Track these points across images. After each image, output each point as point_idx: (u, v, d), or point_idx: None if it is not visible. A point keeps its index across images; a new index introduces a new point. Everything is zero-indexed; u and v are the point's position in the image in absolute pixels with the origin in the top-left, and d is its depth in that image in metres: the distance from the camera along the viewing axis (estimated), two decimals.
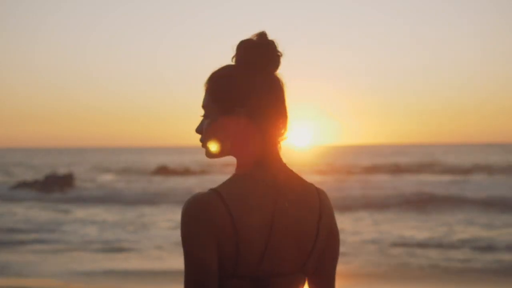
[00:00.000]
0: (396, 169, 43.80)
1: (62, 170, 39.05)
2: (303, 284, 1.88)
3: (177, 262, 11.89)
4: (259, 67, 1.81)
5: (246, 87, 1.81)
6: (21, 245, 14.17)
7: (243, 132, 1.83)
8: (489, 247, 13.02)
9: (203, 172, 45.41)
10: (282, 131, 1.85)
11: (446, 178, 35.22)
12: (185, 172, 45.49)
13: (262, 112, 1.81)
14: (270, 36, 1.84)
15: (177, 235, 15.48)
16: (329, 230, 1.88)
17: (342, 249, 12.60)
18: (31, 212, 21.30)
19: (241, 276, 1.80)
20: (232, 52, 1.84)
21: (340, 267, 10.83)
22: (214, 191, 1.79)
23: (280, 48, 1.84)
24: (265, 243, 1.80)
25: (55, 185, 30.24)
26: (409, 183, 30.74)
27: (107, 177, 42.64)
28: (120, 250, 13.43)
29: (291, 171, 1.87)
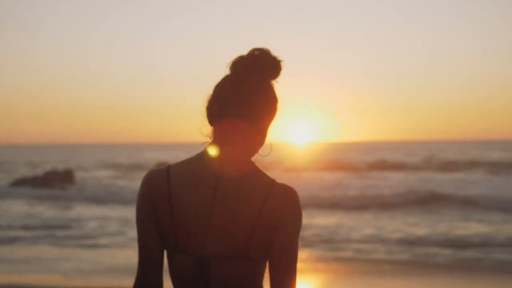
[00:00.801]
0: (395, 166, 43.70)
1: (61, 166, 38.95)
2: (252, 271, 1.98)
3: None
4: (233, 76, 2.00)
5: (213, 94, 2.02)
6: (21, 241, 14.13)
7: (212, 131, 2.02)
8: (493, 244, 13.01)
9: None
10: (244, 131, 1.98)
11: (446, 174, 35.22)
12: None
13: (218, 115, 1.98)
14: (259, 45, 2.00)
15: None
16: (275, 224, 1.95)
17: (346, 245, 12.75)
18: (30, 208, 21.26)
19: (183, 252, 1.97)
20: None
21: (345, 265, 11.06)
22: (166, 168, 2.01)
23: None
24: (204, 225, 1.95)
25: (55, 181, 30.20)
26: (409, 180, 30.72)
27: (106, 173, 42.58)
28: (122, 246, 13.40)
29: (246, 166, 2.00)
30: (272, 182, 1.99)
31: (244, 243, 1.95)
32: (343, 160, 49.21)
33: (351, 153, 70.97)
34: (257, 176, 2.00)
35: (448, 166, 42.56)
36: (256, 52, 1.99)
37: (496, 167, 40.79)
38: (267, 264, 2.01)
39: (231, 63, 2.00)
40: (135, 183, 32.74)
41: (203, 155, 2.02)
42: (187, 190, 1.97)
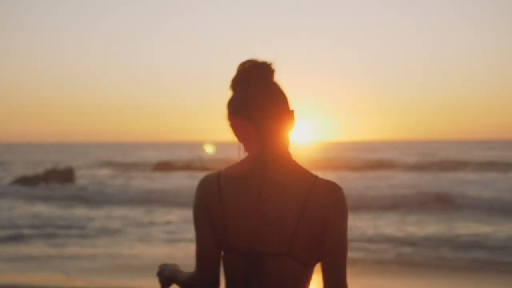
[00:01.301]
0: (395, 165, 43.66)
1: (62, 165, 38.91)
2: (298, 269, 2.03)
3: (181, 255, 11.83)
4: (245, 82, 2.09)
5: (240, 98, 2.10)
6: (22, 240, 14.07)
7: (245, 132, 2.09)
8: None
9: (204, 168, 45.27)
10: (277, 129, 2.07)
11: (447, 174, 35.15)
12: (186, 167, 45.37)
13: (255, 115, 2.05)
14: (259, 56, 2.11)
15: (178, 229, 15.65)
16: (322, 221, 2.01)
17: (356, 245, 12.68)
18: (31, 207, 21.22)
19: (234, 251, 2.05)
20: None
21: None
22: (217, 172, 2.12)
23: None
24: (252, 224, 2.02)
25: (55, 180, 30.16)
26: (411, 180, 30.65)
27: (107, 172, 42.52)
28: (124, 246, 13.35)
29: (290, 164, 2.08)
30: (315, 177, 2.05)
31: (288, 241, 2.01)
32: (343, 159, 49.11)
33: (351, 152, 70.86)
34: (299, 172, 2.06)
35: (450, 165, 42.48)
36: (246, 65, 2.08)
37: (495, 167, 40.72)
38: (320, 263, 2.06)
39: (230, 84, 2.11)
40: (135, 182, 32.62)
41: (248, 158, 2.10)
42: (235, 191, 2.07)
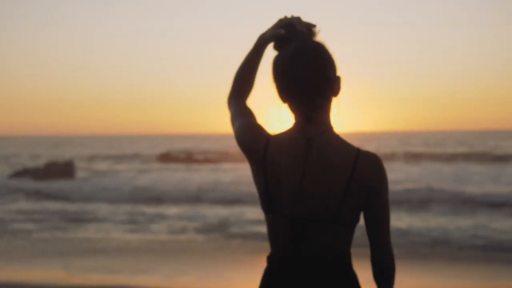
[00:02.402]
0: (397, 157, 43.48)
1: (63, 158, 38.73)
2: (341, 235, 2.15)
3: (177, 256, 11.63)
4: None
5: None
6: (23, 236, 13.87)
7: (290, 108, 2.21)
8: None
9: (206, 160, 45.14)
10: (323, 102, 2.17)
11: (446, 165, 34.99)
12: (188, 159, 45.29)
13: (293, 91, 2.17)
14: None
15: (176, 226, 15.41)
16: (367, 190, 2.13)
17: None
18: (31, 201, 21.03)
19: (276, 212, 2.16)
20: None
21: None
22: (267, 136, 2.20)
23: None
24: (296, 188, 2.12)
25: (56, 172, 29.92)
26: (406, 172, 30.47)
27: (108, 165, 42.35)
28: (126, 242, 13.21)
29: (334, 135, 2.17)
30: (358, 149, 2.16)
31: (335, 206, 2.11)
32: None
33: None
34: (342, 142, 2.17)
35: (448, 157, 42.23)
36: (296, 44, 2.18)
37: (493, 158, 40.51)
38: (365, 226, 2.19)
39: (276, 45, 2.24)
40: (139, 175, 32.48)
41: (294, 125, 2.18)
42: (280, 156, 2.15)
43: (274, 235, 2.20)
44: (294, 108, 2.18)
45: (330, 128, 2.17)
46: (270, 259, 2.23)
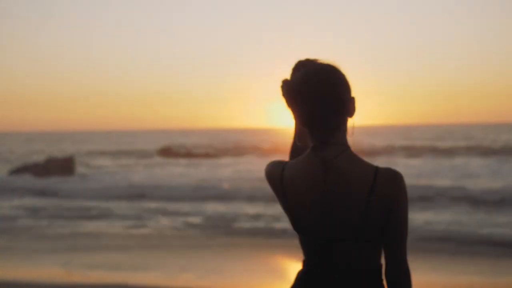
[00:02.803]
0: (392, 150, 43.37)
1: (63, 154, 38.62)
2: (368, 250, 2.20)
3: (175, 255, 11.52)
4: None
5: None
6: (21, 232, 13.76)
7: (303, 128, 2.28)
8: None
9: (207, 155, 45.09)
10: (330, 122, 2.19)
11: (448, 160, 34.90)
12: (189, 154, 45.24)
13: (308, 114, 2.20)
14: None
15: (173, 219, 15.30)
16: (388, 207, 2.15)
17: None
18: (30, 198, 20.90)
19: (304, 233, 2.24)
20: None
21: None
22: (284, 163, 2.29)
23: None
24: (318, 209, 2.18)
25: (55, 169, 29.77)
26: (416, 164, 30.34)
27: (109, 161, 42.26)
28: (124, 239, 13.11)
29: (352, 155, 2.20)
30: (376, 167, 2.18)
31: (359, 225, 2.15)
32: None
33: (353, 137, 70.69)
34: (360, 161, 2.19)
35: (449, 150, 42.12)
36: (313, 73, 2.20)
37: (493, 151, 40.38)
38: (383, 242, 2.20)
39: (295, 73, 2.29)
40: (139, 170, 32.39)
41: (311, 148, 2.23)
42: (299, 179, 2.21)
43: (304, 249, 2.30)
44: (309, 130, 2.22)
45: (346, 148, 2.22)
46: (304, 264, 2.33)
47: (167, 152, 46.42)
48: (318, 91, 2.15)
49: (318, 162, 2.20)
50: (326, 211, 2.17)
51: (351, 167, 2.17)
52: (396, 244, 2.17)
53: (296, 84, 2.19)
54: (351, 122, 2.23)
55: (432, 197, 18.05)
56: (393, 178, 2.15)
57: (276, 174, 2.27)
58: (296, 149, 2.44)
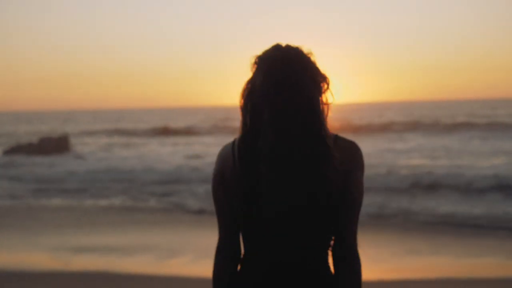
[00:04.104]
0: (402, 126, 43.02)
1: (58, 133, 38.28)
2: (323, 222, 2.12)
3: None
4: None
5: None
6: (20, 217, 13.41)
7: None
8: None
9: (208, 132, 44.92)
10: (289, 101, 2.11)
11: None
12: (188, 132, 45.11)
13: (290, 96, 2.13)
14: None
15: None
16: (344, 176, 2.11)
17: None
18: (22, 177, 20.51)
19: (257, 216, 2.11)
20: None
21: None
22: (233, 140, 2.21)
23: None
24: (272, 184, 2.08)
25: (50, 148, 29.41)
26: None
27: (104, 140, 41.93)
28: (112, 220, 12.83)
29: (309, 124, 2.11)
30: (336, 136, 2.16)
31: (314, 195, 2.08)
32: (341, 121, 48.57)
33: (350, 114, 70.40)
34: (313, 132, 2.12)
35: (448, 127, 41.72)
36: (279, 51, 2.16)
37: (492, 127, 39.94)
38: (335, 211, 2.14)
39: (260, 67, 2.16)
40: (134, 150, 32.13)
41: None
42: (250, 156, 2.11)
43: (250, 238, 2.21)
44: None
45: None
46: None
47: (165, 131, 46.17)
48: (288, 72, 2.12)
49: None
50: (281, 183, 2.12)
51: (302, 138, 2.12)
52: (350, 216, 2.14)
53: (265, 68, 2.13)
54: (325, 101, 2.17)
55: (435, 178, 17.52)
56: (351, 148, 2.16)
57: (228, 156, 2.22)
58: None
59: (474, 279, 7.67)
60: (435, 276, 7.85)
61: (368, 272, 7.43)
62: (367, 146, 26.86)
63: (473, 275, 7.91)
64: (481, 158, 22.74)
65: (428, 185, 16.33)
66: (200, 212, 13.35)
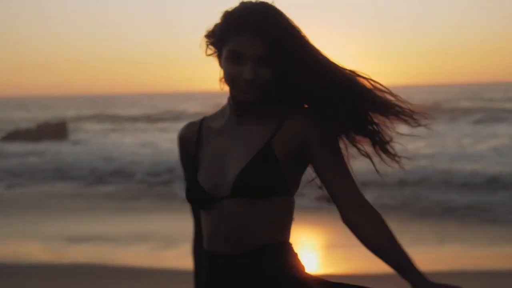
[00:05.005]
0: None
1: (56, 118, 38.17)
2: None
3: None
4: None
5: None
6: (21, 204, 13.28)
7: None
8: None
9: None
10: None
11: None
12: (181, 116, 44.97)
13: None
14: None
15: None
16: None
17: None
18: (18, 164, 20.28)
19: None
20: None
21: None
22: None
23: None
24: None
25: (48, 134, 29.29)
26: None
27: (102, 126, 41.80)
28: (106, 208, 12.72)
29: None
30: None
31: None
32: None
33: None
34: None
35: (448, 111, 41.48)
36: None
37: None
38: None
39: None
40: (135, 135, 32.08)
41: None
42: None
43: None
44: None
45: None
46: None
47: (165, 116, 46.11)
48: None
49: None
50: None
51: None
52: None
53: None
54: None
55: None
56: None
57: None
58: None
59: (483, 271, 7.46)
60: (441, 268, 7.64)
61: (372, 264, 7.16)
62: None
63: (482, 267, 7.70)
64: (485, 144, 22.57)
65: (429, 173, 16.08)
66: None
